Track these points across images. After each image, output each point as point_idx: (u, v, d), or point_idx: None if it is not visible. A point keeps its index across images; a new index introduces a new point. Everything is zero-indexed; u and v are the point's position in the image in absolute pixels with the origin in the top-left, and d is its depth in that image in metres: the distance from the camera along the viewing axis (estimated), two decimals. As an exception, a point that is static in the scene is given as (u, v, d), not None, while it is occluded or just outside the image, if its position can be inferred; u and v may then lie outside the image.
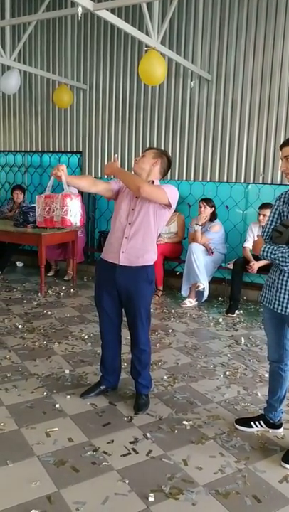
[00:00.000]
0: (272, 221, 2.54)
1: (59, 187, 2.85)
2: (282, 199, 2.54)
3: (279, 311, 2.48)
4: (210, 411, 3.03)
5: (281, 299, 2.47)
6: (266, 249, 2.44)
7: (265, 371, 3.67)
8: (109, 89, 6.67)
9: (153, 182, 2.92)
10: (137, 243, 2.86)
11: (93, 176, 6.76)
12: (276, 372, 2.71)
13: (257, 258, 5.14)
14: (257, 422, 2.81)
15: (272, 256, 2.42)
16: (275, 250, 2.40)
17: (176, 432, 2.76)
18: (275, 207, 2.56)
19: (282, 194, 2.56)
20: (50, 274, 6.52)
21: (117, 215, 2.92)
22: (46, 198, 2.74)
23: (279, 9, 5.31)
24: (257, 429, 2.80)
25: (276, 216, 2.54)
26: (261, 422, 2.81)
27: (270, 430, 2.80)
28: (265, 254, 2.45)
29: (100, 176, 6.78)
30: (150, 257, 2.92)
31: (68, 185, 2.75)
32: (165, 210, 2.89)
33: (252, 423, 2.81)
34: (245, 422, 2.84)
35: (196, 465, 2.45)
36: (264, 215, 5.05)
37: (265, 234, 2.54)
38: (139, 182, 2.75)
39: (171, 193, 2.82)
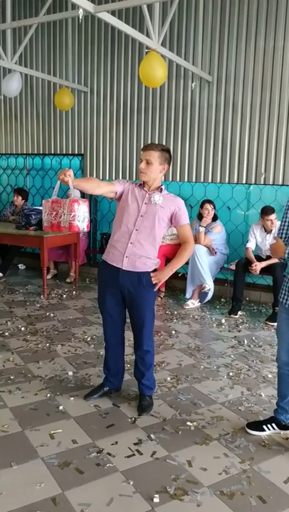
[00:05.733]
0: (288, 223, 2.50)
1: (61, 190, 2.85)
2: None
3: None
4: (214, 412, 3.02)
5: None
6: None
7: (268, 372, 3.67)
8: (110, 91, 6.68)
9: (161, 190, 2.90)
10: (142, 249, 2.85)
11: (95, 177, 6.77)
12: (286, 376, 2.69)
13: (260, 259, 5.14)
14: (269, 425, 2.77)
15: None
16: None
17: (180, 433, 2.75)
18: None
19: None
20: (48, 277, 6.41)
21: (122, 218, 2.88)
22: (53, 203, 2.71)
23: (279, 11, 5.32)
24: (269, 432, 2.76)
25: None
26: (273, 424, 2.78)
27: (282, 432, 2.78)
28: None
29: (101, 178, 6.79)
30: (152, 262, 2.92)
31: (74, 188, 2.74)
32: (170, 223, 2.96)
33: (264, 426, 2.78)
34: (257, 425, 2.80)
35: (200, 466, 2.44)
36: (271, 221, 5.02)
37: (284, 236, 2.48)
38: (189, 253, 2.93)
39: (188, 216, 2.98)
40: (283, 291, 2.60)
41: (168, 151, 2.92)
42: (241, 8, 5.56)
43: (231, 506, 2.16)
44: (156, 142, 6.22)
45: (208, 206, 5.49)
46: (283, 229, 2.51)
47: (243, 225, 6.02)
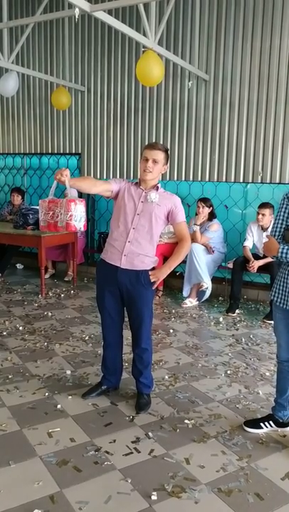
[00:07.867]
0: (282, 221, 2.49)
1: (58, 190, 2.85)
2: None
3: None
4: (211, 410, 3.03)
5: None
6: (285, 250, 2.39)
7: (266, 370, 3.68)
8: (107, 90, 6.68)
9: (157, 188, 2.92)
10: (140, 247, 2.86)
11: (92, 177, 6.77)
12: (285, 371, 2.70)
13: (257, 257, 5.15)
14: (266, 423, 2.78)
15: None
16: None
17: (178, 431, 2.76)
18: (285, 206, 2.49)
19: (288, 193, 2.52)
20: (46, 276, 6.36)
21: (119, 217, 2.89)
22: (50, 203, 2.72)
23: (275, 9, 5.33)
24: (267, 429, 2.77)
25: (286, 215, 2.48)
26: (271, 422, 2.78)
27: (279, 429, 2.78)
28: (284, 254, 2.40)
29: (98, 177, 6.79)
30: (150, 260, 2.93)
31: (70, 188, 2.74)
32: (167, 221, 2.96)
33: (261, 424, 2.78)
34: (255, 423, 2.81)
35: (198, 463, 2.45)
36: (263, 215, 5.06)
37: (277, 234, 2.48)
38: (186, 250, 2.94)
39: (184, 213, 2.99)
40: (275, 290, 2.60)
41: (168, 151, 2.97)
42: (238, 7, 5.56)
43: (229, 503, 2.16)
44: (154, 141, 6.25)
45: (199, 204, 5.51)
46: (276, 227, 2.51)
47: (240, 224, 6.03)
